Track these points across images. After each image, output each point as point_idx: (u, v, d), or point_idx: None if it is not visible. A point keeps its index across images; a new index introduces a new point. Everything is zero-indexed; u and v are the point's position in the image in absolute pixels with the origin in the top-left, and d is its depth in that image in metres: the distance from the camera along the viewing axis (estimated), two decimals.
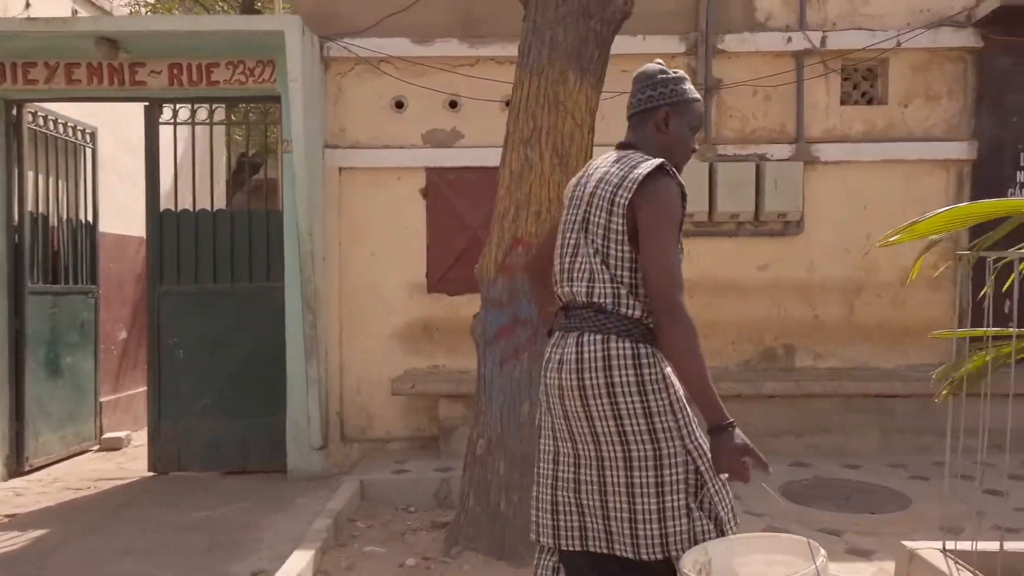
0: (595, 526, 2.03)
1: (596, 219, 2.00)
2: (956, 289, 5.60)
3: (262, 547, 3.91)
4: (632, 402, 1.96)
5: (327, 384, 5.57)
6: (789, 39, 5.46)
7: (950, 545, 3.02)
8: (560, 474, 2.08)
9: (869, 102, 5.67)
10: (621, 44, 5.49)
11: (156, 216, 5.62)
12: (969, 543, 3.05)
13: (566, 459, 2.07)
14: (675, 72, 2.15)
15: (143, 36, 5.04)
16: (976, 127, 5.54)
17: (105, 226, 6.70)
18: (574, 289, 2.03)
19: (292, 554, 3.13)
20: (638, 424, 1.97)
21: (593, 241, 2.00)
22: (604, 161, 2.11)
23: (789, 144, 5.52)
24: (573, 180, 2.19)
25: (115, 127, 6.89)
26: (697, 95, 2.15)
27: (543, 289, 2.35)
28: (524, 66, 3.50)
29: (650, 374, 1.97)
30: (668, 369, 1.99)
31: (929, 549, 3.07)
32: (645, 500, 1.96)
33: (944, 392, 3.19)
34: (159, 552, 4.04)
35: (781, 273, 5.57)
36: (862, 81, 5.68)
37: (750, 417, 4.85)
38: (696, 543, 1.95)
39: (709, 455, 1.95)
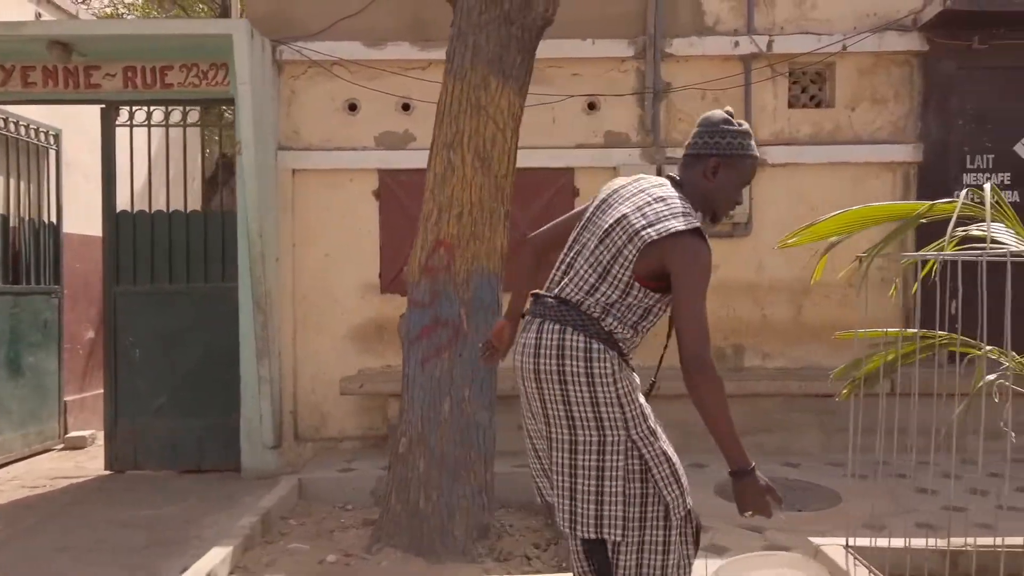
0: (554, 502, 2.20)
1: (616, 239, 2.10)
2: (907, 290, 5.68)
3: (200, 544, 3.97)
4: (580, 391, 2.08)
5: (281, 384, 5.63)
6: (736, 43, 5.52)
7: (865, 541, 3.09)
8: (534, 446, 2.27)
9: (817, 105, 5.74)
10: (570, 48, 5.61)
11: (112, 217, 5.68)
12: (868, 540, 3.13)
13: (537, 437, 2.25)
14: (740, 124, 2.21)
15: (95, 40, 5.12)
16: (922, 130, 5.61)
17: (70, 227, 6.76)
18: (563, 282, 2.16)
19: (209, 551, 3.19)
20: (585, 411, 2.09)
21: (603, 255, 2.11)
22: (649, 185, 2.19)
23: None
24: (616, 182, 2.27)
25: (80, 129, 6.93)
26: (754, 153, 2.20)
27: (532, 273, 2.45)
28: (449, 71, 3.56)
29: (599, 367, 2.08)
30: (617, 365, 2.09)
31: (833, 545, 3.14)
32: (585, 482, 2.10)
33: (844, 392, 3.27)
34: (98, 550, 4.09)
35: (730, 274, 5.63)
36: (811, 84, 5.75)
37: (692, 415, 4.91)
38: (644, 527, 2.12)
39: (656, 443, 2.10)
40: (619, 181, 2.27)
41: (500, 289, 3.57)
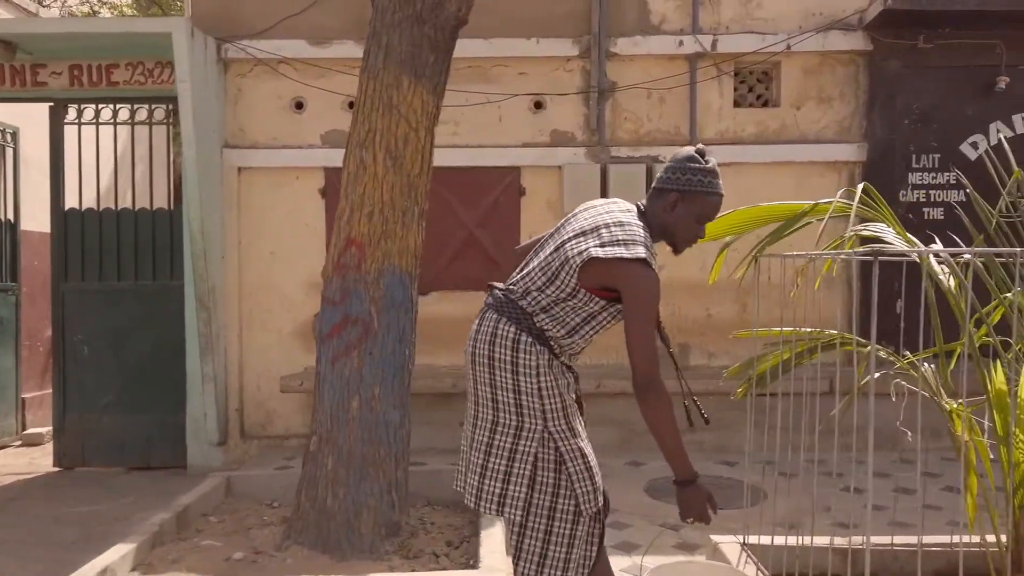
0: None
1: (568, 249, 2.22)
2: (849, 290, 5.69)
3: (122, 541, 3.99)
4: (505, 377, 2.25)
5: (226, 381, 5.65)
6: (681, 42, 5.53)
7: (781, 539, 3.11)
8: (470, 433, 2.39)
9: (764, 104, 5.74)
10: (515, 47, 5.62)
11: (60, 214, 5.70)
12: (768, 538, 3.15)
13: (469, 419, 2.39)
14: (708, 162, 2.27)
15: (37, 38, 5.13)
16: (867, 129, 5.62)
17: (28, 224, 6.77)
18: (515, 278, 2.33)
19: (111, 548, 3.21)
20: (507, 396, 2.25)
21: (554, 261, 2.24)
22: (617, 209, 2.31)
23: (682, 146, 5.57)
24: (592, 201, 2.40)
25: (38, 126, 6.95)
26: (717, 191, 2.27)
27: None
28: (364, 70, 3.57)
29: (524, 358, 2.23)
30: (544, 360, 2.23)
31: (730, 543, 3.15)
32: (496, 460, 2.25)
33: (739, 391, 3.28)
34: (29, 545, 4.12)
35: (675, 273, 5.60)
36: (757, 84, 5.76)
37: (635, 414, 4.93)
38: (553, 518, 2.24)
39: (574, 440, 2.22)
40: (596, 201, 2.41)
41: (412, 287, 3.58)
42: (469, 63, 5.62)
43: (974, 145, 5.59)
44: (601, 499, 2.30)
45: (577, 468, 2.23)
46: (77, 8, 10.63)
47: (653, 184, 2.35)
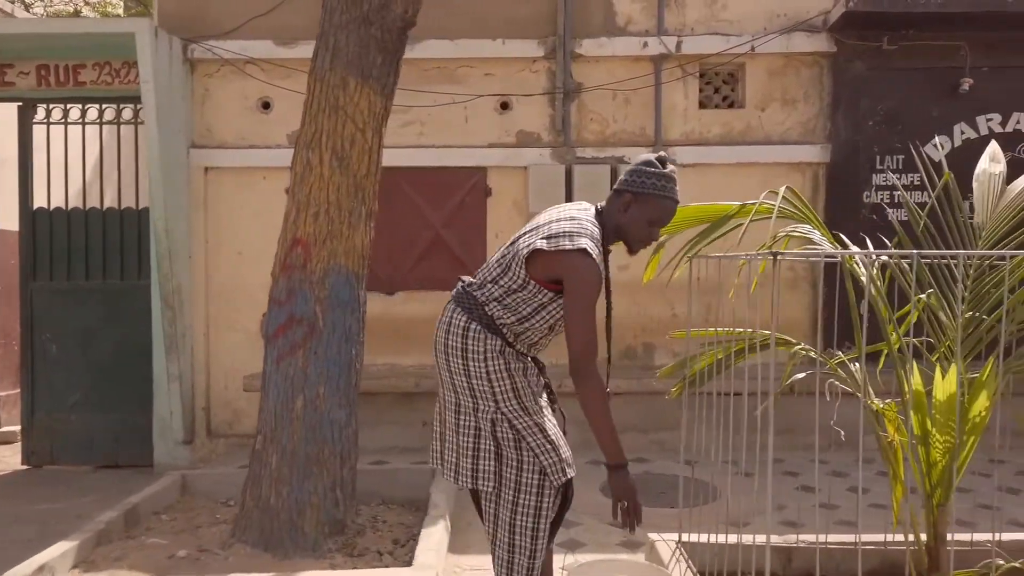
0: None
1: (521, 244, 2.37)
2: (814, 291, 5.71)
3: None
4: (457, 363, 2.42)
5: (193, 380, 5.67)
6: (645, 44, 5.55)
7: (724, 538, 3.13)
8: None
9: (730, 106, 5.76)
10: (482, 48, 5.65)
11: (28, 214, 5.72)
12: (706, 536, 3.17)
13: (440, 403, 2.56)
14: (666, 169, 2.39)
15: (3, 39, 5.16)
16: (831, 130, 5.64)
17: (3, 223, 6.79)
18: (478, 270, 2.50)
19: (53, 545, 3.23)
20: (461, 380, 2.43)
21: (508, 254, 2.41)
22: (575, 208, 2.44)
23: (647, 147, 5.61)
24: (553, 207, 2.53)
25: (7, 126, 6.97)
26: (671, 196, 2.38)
27: None
28: (312, 72, 3.59)
29: (472, 345, 2.39)
30: (492, 345, 2.38)
31: (666, 541, 3.18)
32: (465, 439, 2.43)
33: (674, 390, 3.30)
34: None
35: (640, 273, 5.62)
36: (723, 85, 5.78)
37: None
38: (519, 491, 2.39)
39: (528, 417, 2.37)
40: (562, 204, 2.55)
41: (360, 287, 3.60)
42: (436, 64, 5.65)
43: (938, 146, 5.61)
44: (571, 472, 2.44)
45: (538, 442, 2.40)
46: (62, 8, 10.65)
47: (613, 188, 2.47)
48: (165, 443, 5.55)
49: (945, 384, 2.36)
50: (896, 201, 5.63)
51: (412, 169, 5.69)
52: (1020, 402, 3.14)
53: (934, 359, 2.70)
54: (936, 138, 5.55)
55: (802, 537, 3.24)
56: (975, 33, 5.44)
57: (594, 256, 2.27)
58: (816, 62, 5.62)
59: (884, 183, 5.63)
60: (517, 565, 2.48)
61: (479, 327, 2.39)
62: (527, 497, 2.42)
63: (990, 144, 2.99)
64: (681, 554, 3.04)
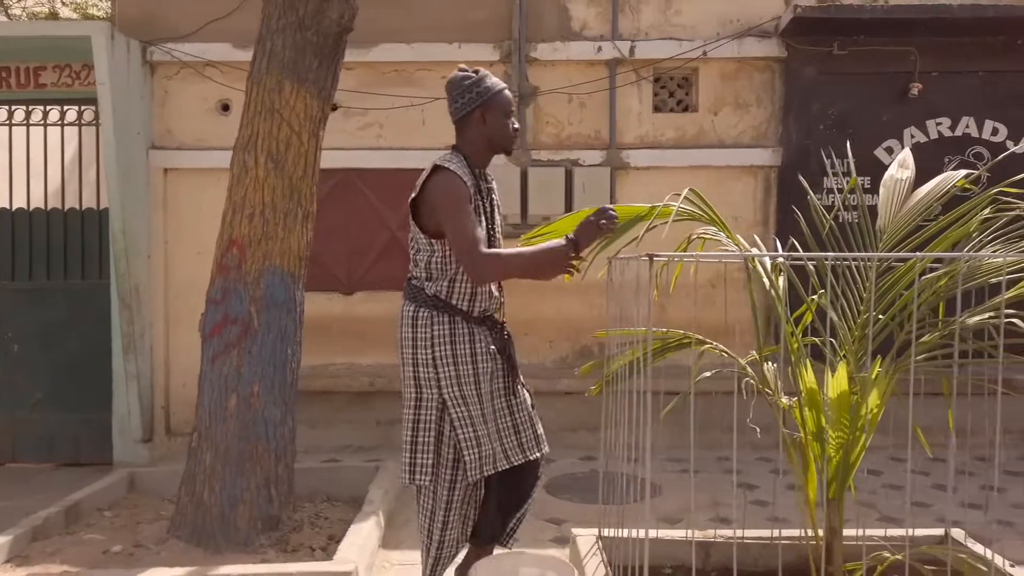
0: None
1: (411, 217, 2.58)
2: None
3: None
4: (405, 353, 2.53)
5: (152, 378, 5.73)
6: (600, 48, 5.62)
7: (664, 533, 3.21)
8: None
9: (685, 110, 5.83)
10: (438, 51, 5.71)
11: None
12: (636, 531, 3.24)
13: None
14: (477, 73, 2.57)
15: None
16: (783, 134, 5.72)
17: None
18: (410, 266, 2.65)
19: None
20: (407, 371, 2.53)
21: (410, 233, 2.60)
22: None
23: (602, 150, 5.69)
24: None
25: None
26: (499, 87, 2.57)
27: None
28: (249, 76, 3.66)
29: (421, 332, 2.50)
30: (441, 331, 2.49)
31: (586, 535, 3.24)
32: (405, 432, 2.54)
33: (594, 388, 3.37)
34: None
35: (593, 274, 5.72)
36: (678, 89, 5.85)
37: (550, 412, 5.00)
38: (439, 474, 2.54)
39: (465, 408, 2.51)
40: None
41: (296, 288, 3.67)
42: (394, 67, 5.72)
43: (888, 150, 5.69)
44: (487, 471, 2.54)
45: (466, 435, 2.51)
46: (39, 9, 10.70)
47: (453, 119, 2.59)
48: (124, 442, 5.61)
49: (836, 382, 2.43)
50: (847, 204, 5.70)
51: (370, 171, 5.76)
52: (937, 402, 3.22)
53: (839, 359, 2.77)
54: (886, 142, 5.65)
55: (720, 532, 3.31)
56: (924, 38, 5.52)
57: (452, 169, 2.44)
58: (768, 67, 5.70)
59: (835, 186, 5.71)
60: (424, 548, 2.65)
61: (426, 311, 2.50)
62: (440, 489, 2.55)
63: (903, 151, 3.07)
64: (599, 548, 3.11)
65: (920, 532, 3.27)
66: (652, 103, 5.78)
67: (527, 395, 2.80)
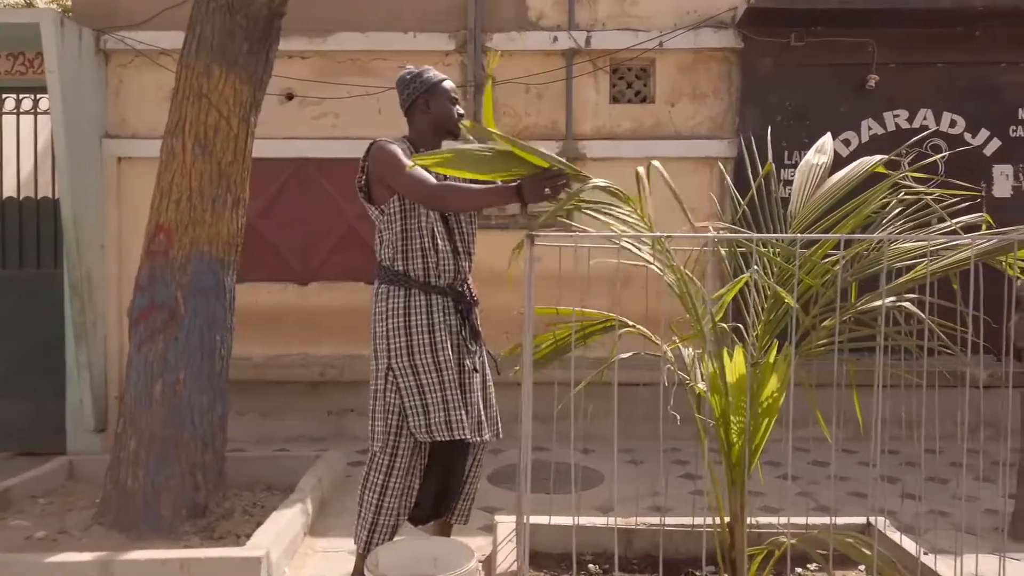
0: None
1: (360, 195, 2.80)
2: (721, 283, 5.77)
3: None
4: (371, 327, 2.73)
5: (106, 368, 5.71)
6: (556, 38, 5.59)
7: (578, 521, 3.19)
8: None
9: (643, 101, 5.81)
10: (394, 40, 5.68)
11: None
12: (550, 519, 3.23)
13: None
14: (418, 68, 2.87)
15: None
16: (740, 126, 5.69)
17: None
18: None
19: None
20: (372, 344, 2.73)
21: (371, 213, 2.79)
22: None
23: (559, 141, 5.66)
24: None
25: None
26: (439, 77, 2.85)
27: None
28: (180, 60, 3.63)
29: (380, 306, 2.69)
30: (392, 304, 2.67)
31: (506, 522, 3.23)
32: (369, 402, 2.75)
33: (516, 370, 3.35)
34: None
35: (550, 265, 5.68)
36: (636, 80, 5.83)
37: (501, 403, 5.00)
38: (387, 442, 2.69)
39: (412, 378, 2.66)
40: None
41: (227, 274, 3.64)
42: (349, 56, 5.69)
43: (846, 142, 5.67)
44: (437, 437, 2.68)
45: (412, 403, 2.66)
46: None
47: (404, 112, 2.85)
48: (78, 431, 5.59)
49: (734, 366, 2.41)
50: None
51: (326, 160, 5.73)
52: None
53: (752, 344, 2.75)
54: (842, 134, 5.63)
55: (643, 520, 3.29)
56: (881, 30, 5.50)
57: (386, 139, 2.71)
58: (725, 58, 5.68)
59: (792, 178, 5.68)
60: (362, 519, 2.73)
61: (385, 286, 2.69)
62: (384, 456, 2.68)
63: (823, 137, 3.05)
64: (521, 536, 3.09)
65: (843, 520, 3.27)
66: (610, 94, 5.75)
67: (487, 373, 2.96)
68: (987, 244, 2.08)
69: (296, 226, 5.79)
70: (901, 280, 2.31)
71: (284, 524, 3.31)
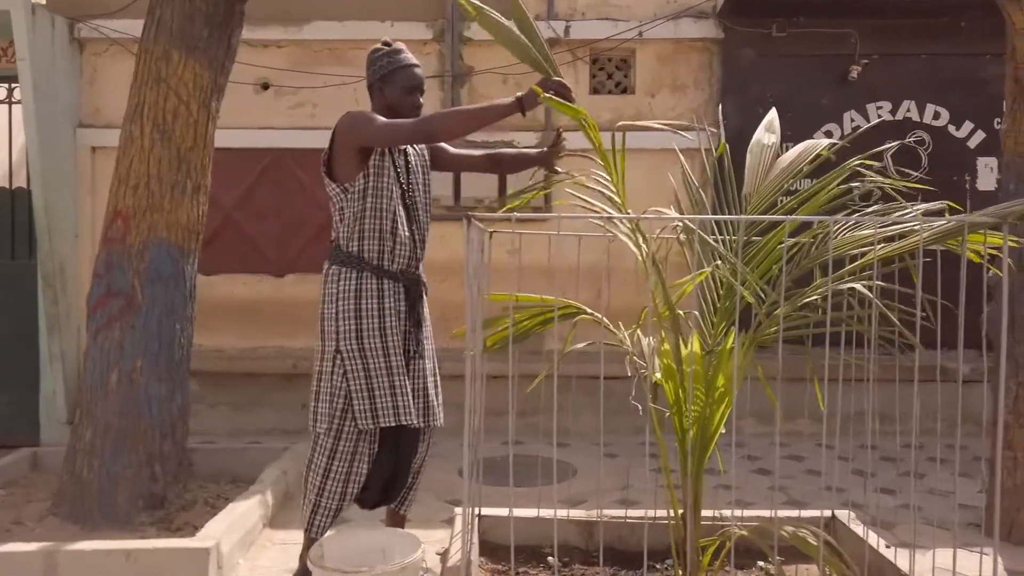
0: None
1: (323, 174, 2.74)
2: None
3: None
4: (320, 309, 2.68)
5: (79, 359, 5.64)
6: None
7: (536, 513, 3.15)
8: None
9: (623, 92, 5.75)
10: (370, 29, 5.61)
11: None
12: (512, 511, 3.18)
13: None
14: (388, 46, 2.78)
15: None
16: (721, 117, 5.62)
17: None
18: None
19: None
20: (319, 326, 2.67)
21: (329, 190, 2.72)
22: None
23: (538, 132, 5.61)
24: None
25: None
26: (403, 64, 2.75)
27: None
28: (139, 44, 3.58)
29: (331, 288, 2.64)
30: (343, 286, 2.61)
31: (463, 515, 3.18)
32: (313, 383, 2.69)
33: (468, 354, 3.29)
34: None
35: (531, 258, 5.63)
36: (616, 71, 5.76)
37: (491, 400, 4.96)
38: (332, 424, 2.63)
39: (359, 361, 2.60)
40: None
41: (186, 262, 3.59)
42: (326, 45, 5.63)
43: (828, 133, 5.61)
44: (383, 422, 2.63)
45: (358, 386, 2.60)
46: None
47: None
48: (51, 423, 5.55)
49: (688, 353, 2.36)
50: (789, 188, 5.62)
51: (303, 151, 5.66)
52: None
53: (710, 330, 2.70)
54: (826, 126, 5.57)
55: (606, 512, 3.24)
56: (864, 20, 5.43)
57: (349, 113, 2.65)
58: (706, 48, 5.62)
59: None
60: (306, 500, 2.70)
61: (336, 268, 2.62)
62: (327, 438, 2.63)
63: (769, 113, 2.99)
64: (475, 527, 3.04)
65: (809, 513, 3.21)
66: (590, 85, 5.70)
67: (432, 362, 2.88)
68: (938, 226, 2.02)
69: (272, 217, 5.73)
70: (853, 265, 2.24)
71: (239, 515, 3.26)
